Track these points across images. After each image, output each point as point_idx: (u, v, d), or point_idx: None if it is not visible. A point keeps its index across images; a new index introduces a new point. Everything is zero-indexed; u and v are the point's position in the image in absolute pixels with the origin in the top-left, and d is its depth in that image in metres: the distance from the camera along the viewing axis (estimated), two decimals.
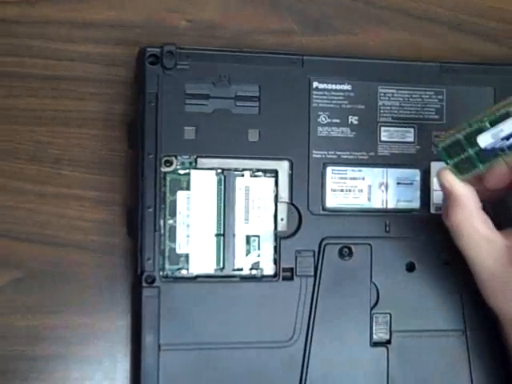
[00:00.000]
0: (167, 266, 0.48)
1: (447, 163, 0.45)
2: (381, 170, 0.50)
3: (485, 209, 0.46)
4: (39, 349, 0.51)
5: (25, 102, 0.51)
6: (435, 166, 0.51)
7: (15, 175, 0.51)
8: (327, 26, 0.55)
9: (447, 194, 0.45)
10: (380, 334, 0.50)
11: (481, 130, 0.44)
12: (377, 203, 0.50)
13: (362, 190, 0.50)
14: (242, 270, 0.49)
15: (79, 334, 0.51)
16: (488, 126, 0.43)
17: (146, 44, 0.48)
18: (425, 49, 0.56)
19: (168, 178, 0.48)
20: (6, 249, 0.50)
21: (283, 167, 0.49)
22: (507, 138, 0.43)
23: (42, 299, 0.51)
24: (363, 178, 0.50)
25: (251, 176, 0.49)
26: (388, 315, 0.50)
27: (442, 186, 0.45)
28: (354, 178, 0.50)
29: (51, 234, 0.51)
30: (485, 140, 0.44)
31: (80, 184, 0.52)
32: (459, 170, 0.45)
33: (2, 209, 0.50)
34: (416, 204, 0.51)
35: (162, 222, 0.47)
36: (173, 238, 0.48)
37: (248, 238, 0.49)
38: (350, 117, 0.50)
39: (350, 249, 0.50)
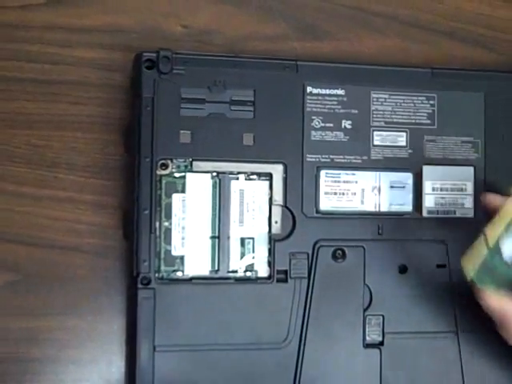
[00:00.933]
0: (163, 267, 0.48)
1: (487, 286, 0.44)
2: (374, 173, 0.51)
3: None
4: (34, 351, 0.51)
5: (21, 106, 0.52)
6: (427, 169, 0.52)
7: (11, 178, 0.51)
8: (321, 32, 0.56)
9: (500, 318, 0.44)
10: (373, 336, 0.51)
11: (501, 239, 0.43)
12: (370, 206, 0.51)
13: (355, 194, 0.51)
14: (236, 272, 0.49)
15: (75, 336, 0.51)
16: (505, 232, 0.43)
17: (141, 49, 0.49)
18: (416, 55, 0.57)
19: (164, 181, 0.48)
20: (2, 251, 0.51)
21: (277, 171, 0.50)
22: None
23: (38, 302, 0.51)
24: (356, 182, 0.51)
25: (246, 179, 0.50)
26: (381, 317, 0.51)
27: (491, 311, 0.45)
28: (347, 182, 0.51)
29: (47, 236, 0.51)
30: (509, 248, 0.43)
31: (76, 187, 0.52)
32: (499, 285, 0.44)
33: None
34: (408, 207, 0.51)
35: (157, 224, 0.48)
36: (168, 240, 0.48)
37: (243, 241, 0.50)
38: (343, 121, 0.51)
39: (343, 251, 0.50)
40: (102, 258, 0.52)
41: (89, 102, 0.53)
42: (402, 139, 0.52)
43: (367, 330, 0.51)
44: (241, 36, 0.55)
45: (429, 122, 0.52)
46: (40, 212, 0.52)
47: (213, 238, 0.49)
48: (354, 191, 0.51)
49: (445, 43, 0.58)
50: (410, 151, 0.52)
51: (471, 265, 0.44)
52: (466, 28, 0.58)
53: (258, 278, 0.50)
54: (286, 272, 0.50)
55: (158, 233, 0.48)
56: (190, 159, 0.49)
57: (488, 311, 0.45)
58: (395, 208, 0.51)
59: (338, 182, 0.50)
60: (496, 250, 0.43)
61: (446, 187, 0.52)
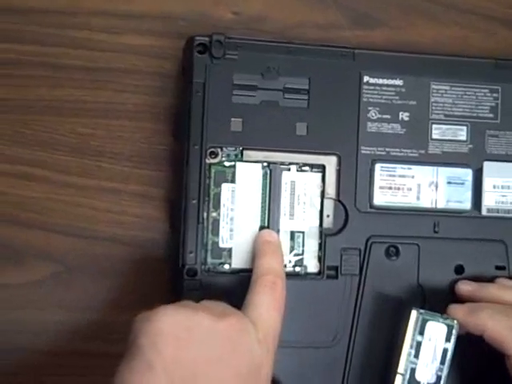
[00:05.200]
0: (209, 259, 0.47)
1: None
2: (431, 168, 0.49)
3: None
4: (77, 344, 0.50)
5: (68, 94, 0.51)
6: (488, 165, 0.50)
7: (55, 167, 0.51)
8: (374, 21, 0.54)
9: None
10: None
11: (413, 371, 0.44)
12: (426, 202, 0.49)
13: (411, 189, 0.49)
14: (285, 266, 0.48)
15: (117, 330, 0.50)
16: (415, 361, 0.44)
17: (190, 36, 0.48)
18: (476, 45, 0.55)
19: (213, 170, 0.47)
20: (45, 241, 0.50)
21: (331, 162, 0.48)
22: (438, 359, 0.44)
23: (80, 294, 0.50)
24: (413, 176, 0.49)
25: (298, 170, 0.48)
26: None
27: None
28: (403, 176, 0.49)
29: (90, 227, 0.50)
30: (424, 377, 0.44)
31: (121, 177, 0.51)
32: None
33: (41, 201, 0.50)
34: (467, 205, 0.49)
35: (205, 214, 0.46)
36: (216, 232, 0.47)
37: (292, 234, 0.48)
38: (400, 113, 0.49)
39: (397, 248, 0.49)
40: (146, 251, 0.51)
41: (136, 90, 0.51)
42: (462, 133, 0.50)
43: None
44: (292, 24, 0.53)
45: (491, 115, 0.50)
46: (83, 202, 0.51)
47: (262, 230, 0.47)
48: (410, 186, 0.49)
49: (505, 32, 0.55)
50: (470, 146, 0.50)
51: None
52: None
53: (307, 274, 0.48)
54: (336, 268, 0.48)
55: (205, 223, 0.47)
56: (241, 148, 0.47)
57: None
58: (453, 205, 0.49)
59: (394, 176, 0.49)
60: (410, 375, 0.44)
61: (508, 185, 0.50)
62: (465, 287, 0.47)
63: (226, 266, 0.47)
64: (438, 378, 0.44)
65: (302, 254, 0.48)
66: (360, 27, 0.54)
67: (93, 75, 0.51)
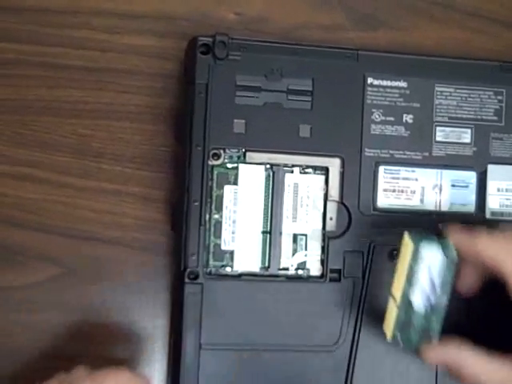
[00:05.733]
0: (211, 262, 0.46)
1: (414, 345, 0.43)
2: (435, 171, 0.49)
3: None
4: (76, 347, 0.49)
5: (68, 94, 0.50)
6: (492, 168, 0.49)
7: (55, 168, 0.50)
8: (378, 22, 0.54)
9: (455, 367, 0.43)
10: None
11: (407, 291, 0.43)
12: (430, 205, 0.49)
13: (414, 192, 0.48)
14: (287, 269, 0.47)
15: (117, 332, 0.49)
16: (408, 283, 0.43)
17: (192, 37, 0.47)
18: (479, 47, 0.55)
19: (215, 172, 0.46)
20: (45, 243, 0.49)
21: (334, 165, 0.48)
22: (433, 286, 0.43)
23: (80, 296, 0.49)
24: (416, 179, 0.48)
25: (301, 172, 0.48)
26: None
27: (443, 364, 0.43)
28: (406, 179, 0.48)
29: (91, 229, 0.50)
30: (418, 297, 0.43)
31: (122, 179, 0.51)
32: (421, 338, 0.43)
33: (41, 202, 0.49)
34: (471, 208, 0.49)
35: (207, 216, 0.46)
36: (218, 234, 0.46)
37: (295, 237, 0.48)
38: (404, 115, 0.49)
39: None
40: (147, 253, 0.50)
41: (137, 91, 0.51)
42: (466, 136, 0.49)
43: None
44: (295, 24, 0.53)
45: (496, 118, 0.50)
46: (84, 204, 0.50)
47: (264, 233, 0.47)
48: (414, 189, 0.48)
49: (509, 35, 0.55)
50: (474, 149, 0.49)
51: (388, 329, 0.43)
52: None
53: (309, 277, 0.48)
54: (339, 271, 0.48)
55: (207, 226, 0.46)
56: (244, 150, 0.47)
57: (440, 365, 0.44)
58: (457, 208, 0.49)
59: (397, 178, 0.48)
60: (406, 305, 0.42)
61: None
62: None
63: (228, 269, 0.47)
64: (437, 305, 0.43)
65: (305, 256, 0.47)
66: (364, 28, 0.53)
67: (93, 76, 0.51)
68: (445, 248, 0.43)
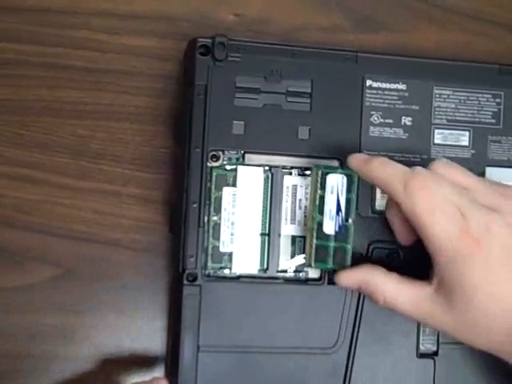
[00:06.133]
0: (210, 264, 0.46)
1: (331, 269, 0.45)
2: None
3: None
4: (74, 349, 0.49)
5: (68, 95, 0.50)
6: (490, 171, 0.49)
7: (54, 169, 0.50)
8: (377, 24, 0.54)
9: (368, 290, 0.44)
10: (427, 345, 0.49)
11: (320, 225, 0.45)
12: None
13: None
14: (286, 272, 0.47)
15: (115, 334, 0.49)
16: (319, 216, 0.44)
17: (192, 37, 0.47)
18: (479, 50, 0.55)
19: (214, 174, 0.46)
20: (43, 244, 0.49)
21: None
22: (339, 210, 0.45)
23: (78, 298, 0.49)
24: None
25: (299, 174, 0.48)
26: None
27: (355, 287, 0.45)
28: None
29: (89, 231, 0.50)
30: (331, 228, 0.45)
31: (121, 180, 0.51)
32: (336, 263, 0.45)
33: (39, 203, 0.49)
34: None
35: (206, 218, 0.46)
36: (217, 236, 0.46)
37: (294, 239, 0.48)
38: (403, 117, 0.49)
39: (398, 253, 0.48)
40: (145, 255, 0.50)
41: (137, 92, 0.51)
42: (464, 138, 0.49)
43: (421, 338, 0.49)
44: (294, 26, 0.53)
45: (494, 121, 0.50)
46: (83, 205, 0.50)
47: (263, 235, 0.47)
48: None
49: (509, 37, 0.55)
50: (472, 151, 0.49)
51: (308, 257, 0.45)
52: None
53: (308, 280, 0.48)
54: None
55: (206, 227, 0.46)
56: (242, 151, 0.47)
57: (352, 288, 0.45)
58: None
59: None
60: (318, 231, 0.44)
61: None
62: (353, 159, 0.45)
63: (227, 271, 0.47)
64: (346, 228, 0.45)
65: (304, 259, 0.47)
66: (363, 30, 0.53)
67: (93, 76, 0.51)
68: (346, 172, 0.45)
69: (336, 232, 0.45)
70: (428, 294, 0.42)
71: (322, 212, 0.45)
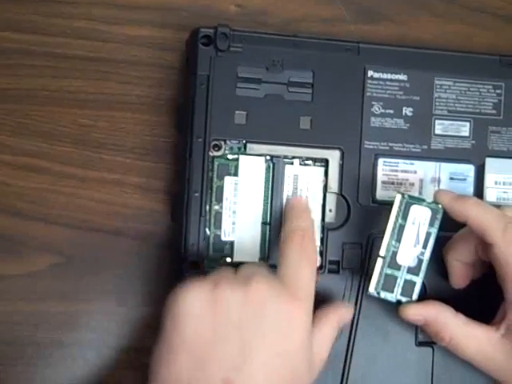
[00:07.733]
0: (211, 253, 0.47)
1: (396, 300, 0.45)
2: (433, 163, 0.49)
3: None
4: (74, 336, 0.49)
5: (70, 84, 0.50)
6: (490, 162, 0.49)
7: (56, 158, 0.50)
8: (378, 15, 0.54)
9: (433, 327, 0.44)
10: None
11: (394, 254, 0.44)
12: (428, 198, 0.48)
13: (413, 184, 0.49)
14: None
15: (115, 322, 0.50)
16: (397, 244, 0.44)
17: (193, 28, 0.48)
18: (480, 41, 0.55)
19: (216, 163, 0.47)
20: (45, 233, 0.49)
21: (334, 157, 0.48)
22: (418, 243, 0.44)
23: (80, 286, 0.50)
24: (415, 172, 0.49)
25: (300, 164, 0.48)
26: None
27: (420, 323, 0.45)
28: (405, 171, 0.49)
29: (91, 219, 0.50)
30: (405, 260, 0.44)
31: (123, 169, 0.51)
32: (403, 295, 0.45)
33: (42, 192, 0.49)
34: None
35: (207, 207, 0.46)
36: (218, 225, 0.47)
37: None
38: (404, 108, 0.49)
39: None
40: (147, 243, 0.50)
41: (139, 82, 0.51)
42: (464, 129, 0.50)
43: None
44: (296, 17, 0.53)
45: (494, 112, 0.50)
46: (85, 194, 0.50)
47: (264, 224, 0.47)
48: (412, 181, 0.49)
49: (509, 29, 0.55)
50: (472, 142, 0.50)
51: (372, 282, 0.44)
52: None
53: None
54: (338, 263, 0.48)
55: (207, 217, 0.46)
56: (244, 141, 0.47)
57: (418, 324, 0.45)
58: None
59: (396, 171, 0.49)
60: (391, 259, 0.44)
61: (510, 181, 0.50)
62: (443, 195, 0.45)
63: (228, 259, 0.47)
64: (420, 261, 0.44)
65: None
66: (365, 21, 0.54)
67: (95, 66, 0.51)
68: (432, 206, 0.44)
69: (409, 263, 0.44)
70: (494, 338, 0.42)
71: (399, 241, 0.44)
